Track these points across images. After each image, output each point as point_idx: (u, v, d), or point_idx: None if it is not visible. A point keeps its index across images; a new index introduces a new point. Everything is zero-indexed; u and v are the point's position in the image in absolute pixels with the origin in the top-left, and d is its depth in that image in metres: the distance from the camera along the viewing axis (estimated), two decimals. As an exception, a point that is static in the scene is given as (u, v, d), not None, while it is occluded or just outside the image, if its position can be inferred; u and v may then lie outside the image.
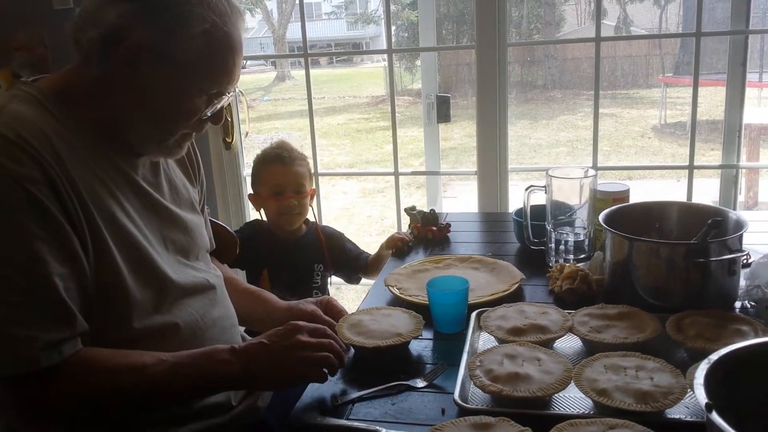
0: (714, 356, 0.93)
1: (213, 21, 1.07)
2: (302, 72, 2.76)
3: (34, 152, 1.00)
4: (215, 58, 1.10)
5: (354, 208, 7.27)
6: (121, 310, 1.09)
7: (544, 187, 1.65)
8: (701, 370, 0.90)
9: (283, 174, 2.11)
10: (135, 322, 1.11)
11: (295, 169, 2.12)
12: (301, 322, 1.16)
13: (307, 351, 1.12)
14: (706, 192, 4.06)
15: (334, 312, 1.45)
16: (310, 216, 2.22)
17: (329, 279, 2.22)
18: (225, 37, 1.09)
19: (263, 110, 12.68)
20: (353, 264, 2.20)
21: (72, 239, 1.02)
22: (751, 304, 1.38)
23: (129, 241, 1.11)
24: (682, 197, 2.61)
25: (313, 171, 2.72)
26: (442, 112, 2.63)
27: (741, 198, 5.65)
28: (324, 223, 2.41)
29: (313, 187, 2.23)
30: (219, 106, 1.17)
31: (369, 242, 6.36)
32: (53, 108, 1.07)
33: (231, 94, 1.18)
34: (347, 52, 19.86)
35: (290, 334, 1.13)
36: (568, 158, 8.78)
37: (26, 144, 0.99)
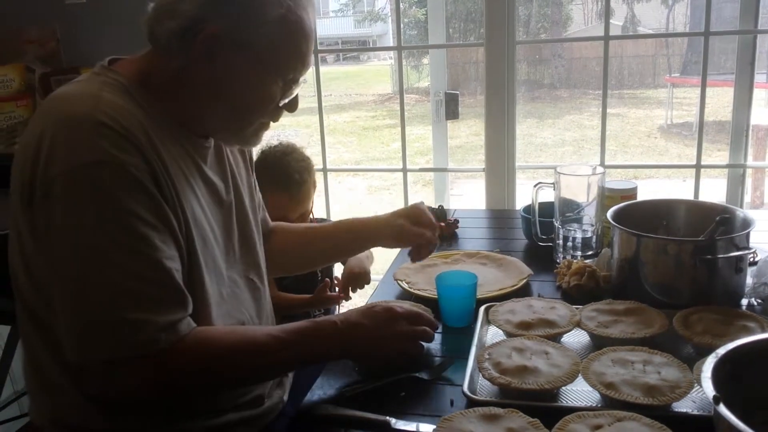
0: (721, 351, 0.94)
1: (288, 6, 1.08)
2: (311, 69, 2.76)
3: (135, 141, 1.01)
4: (291, 43, 1.11)
5: (360, 206, 7.28)
6: (197, 301, 1.10)
7: (553, 184, 1.66)
8: (708, 364, 0.91)
9: (291, 208, 1.93)
10: (206, 314, 1.13)
11: (303, 200, 1.95)
12: (398, 308, 1.22)
13: (404, 341, 1.21)
14: (713, 192, 4.06)
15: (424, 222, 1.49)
16: None
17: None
18: (299, 22, 1.10)
19: (270, 107, 12.67)
20: None
21: (174, 224, 1.05)
22: (757, 302, 1.39)
23: (204, 233, 1.14)
24: (688, 197, 2.61)
25: (321, 167, 2.74)
26: (451, 109, 2.64)
27: (747, 198, 5.64)
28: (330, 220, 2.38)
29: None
30: (295, 93, 1.18)
31: (375, 239, 6.40)
32: (139, 97, 1.08)
33: (304, 79, 1.19)
34: (357, 49, 19.82)
35: (390, 323, 1.20)
36: (574, 157, 8.78)
37: (127, 132, 1.00)
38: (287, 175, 1.90)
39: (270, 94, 1.13)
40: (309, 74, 1.21)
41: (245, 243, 1.29)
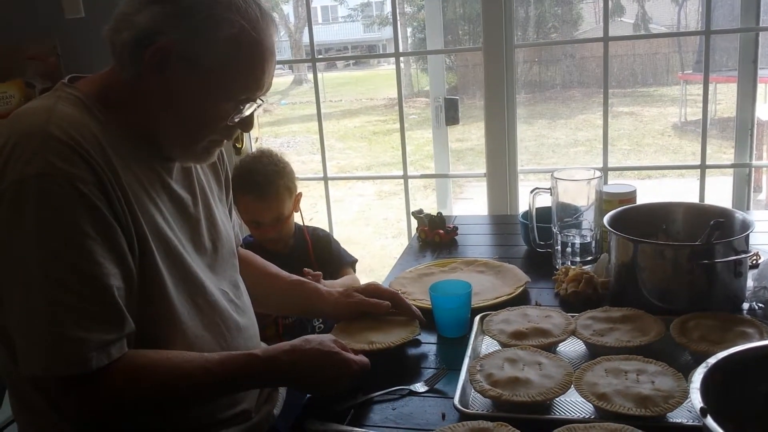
0: (712, 360, 0.92)
1: (241, 26, 1.06)
2: (319, 75, 2.73)
3: (84, 153, 1.01)
4: (243, 64, 1.09)
5: (370, 211, 7.27)
6: (162, 314, 1.10)
7: (549, 189, 1.64)
8: (698, 375, 0.89)
9: (260, 210, 1.96)
10: (173, 325, 1.12)
11: (272, 201, 1.96)
12: (346, 357, 1.18)
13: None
14: (723, 190, 4.01)
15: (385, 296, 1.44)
16: (298, 219, 2.10)
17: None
18: (253, 43, 1.08)
19: (280, 114, 12.73)
20: (336, 264, 2.08)
21: (121, 240, 1.03)
22: (758, 306, 1.36)
23: (167, 245, 1.13)
24: (695, 197, 2.59)
25: (322, 176, 2.73)
26: (450, 114, 2.62)
27: (762, 196, 5.56)
28: (339, 226, 2.37)
29: (299, 191, 2.07)
30: (247, 113, 1.16)
31: (385, 244, 6.41)
32: (96, 111, 1.08)
33: (261, 101, 1.18)
34: (356, 56, 19.83)
35: (339, 366, 1.16)
36: (588, 157, 8.71)
37: (77, 145, 1.00)
38: (251, 176, 1.95)
39: (220, 112, 1.12)
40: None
41: (217, 256, 1.27)
